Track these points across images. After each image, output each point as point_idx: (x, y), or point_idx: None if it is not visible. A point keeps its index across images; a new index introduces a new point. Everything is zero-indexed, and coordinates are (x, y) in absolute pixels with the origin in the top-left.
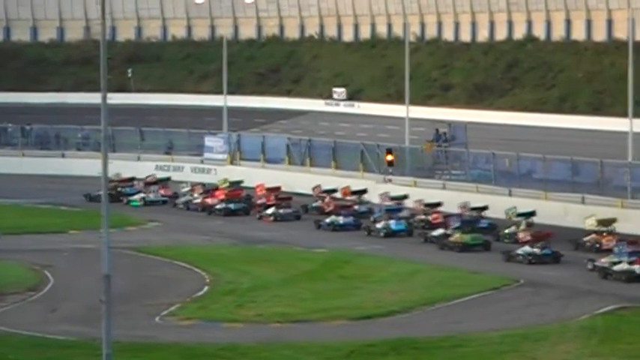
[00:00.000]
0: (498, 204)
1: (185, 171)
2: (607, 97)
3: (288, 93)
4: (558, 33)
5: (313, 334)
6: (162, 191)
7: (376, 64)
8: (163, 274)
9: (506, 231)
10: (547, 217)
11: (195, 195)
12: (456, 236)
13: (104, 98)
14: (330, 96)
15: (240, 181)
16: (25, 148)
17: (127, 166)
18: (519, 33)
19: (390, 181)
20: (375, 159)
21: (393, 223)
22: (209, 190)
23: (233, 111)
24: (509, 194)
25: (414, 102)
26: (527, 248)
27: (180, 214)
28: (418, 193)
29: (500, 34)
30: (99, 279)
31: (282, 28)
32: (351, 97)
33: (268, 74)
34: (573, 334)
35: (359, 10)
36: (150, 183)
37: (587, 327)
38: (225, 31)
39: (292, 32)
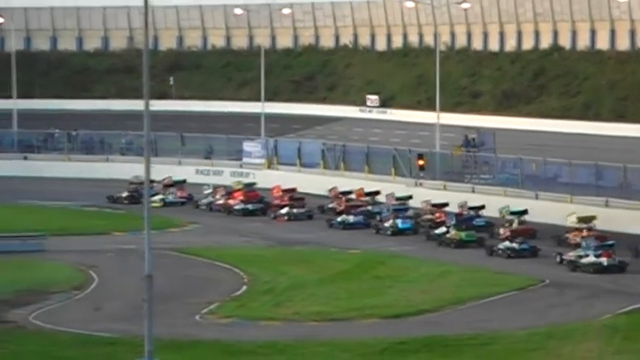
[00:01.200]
0: (525, 207)
1: (224, 175)
2: (630, 104)
3: (323, 100)
4: (583, 42)
5: (348, 331)
6: (178, 193)
7: (408, 73)
8: (203, 274)
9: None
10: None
11: (218, 196)
12: (452, 233)
13: (147, 105)
14: (363, 103)
15: (254, 183)
16: (71, 153)
17: (168, 170)
18: (545, 42)
19: (421, 184)
20: (406, 164)
21: (399, 222)
22: (230, 191)
23: (270, 117)
24: (536, 198)
25: (445, 109)
26: (507, 243)
27: (218, 217)
28: (448, 196)
29: (527, 44)
30: (141, 279)
31: (317, 37)
32: (384, 104)
33: (304, 82)
34: (596, 332)
35: (391, 20)
36: (168, 185)
37: (610, 326)
38: (262, 40)
39: (327, 42)
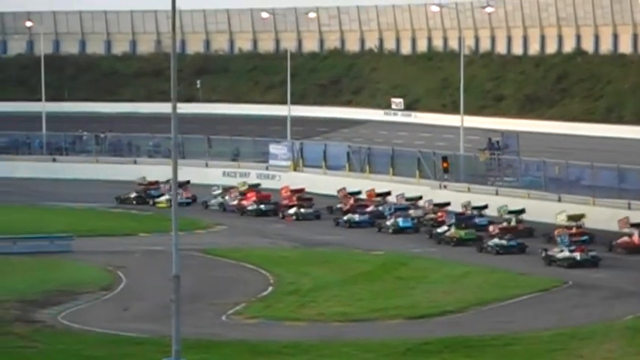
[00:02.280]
0: (548, 209)
1: (251, 177)
2: None
3: (348, 103)
4: (606, 46)
5: (371, 332)
6: (184, 193)
7: (432, 76)
8: (230, 275)
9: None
10: (595, 222)
11: (232, 197)
12: (452, 232)
13: (174, 108)
14: (388, 106)
15: (258, 184)
16: (99, 155)
17: (195, 173)
18: (569, 46)
19: (445, 187)
20: (431, 166)
21: (400, 221)
22: (244, 192)
23: (296, 120)
24: (559, 200)
25: (469, 112)
26: (496, 240)
27: (241, 218)
28: (472, 198)
29: (551, 48)
30: (169, 279)
31: (343, 41)
32: (409, 107)
33: (330, 85)
34: (618, 333)
35: (416, 24)
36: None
37: (631, 327)
38: (289, 44)
39: (353, 45)
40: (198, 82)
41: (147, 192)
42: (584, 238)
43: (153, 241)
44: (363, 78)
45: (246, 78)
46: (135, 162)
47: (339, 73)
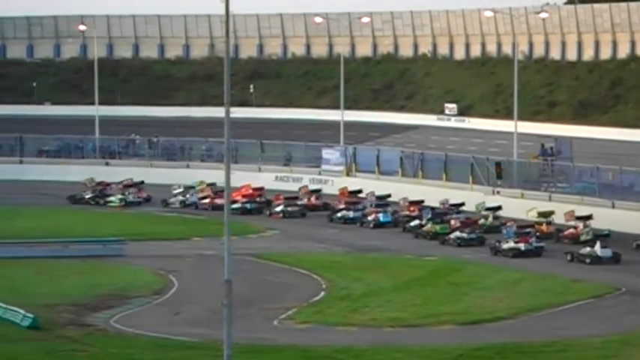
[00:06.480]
0: (601, 215)
1: (304, 182)
2: None
3: (401, 108)
4: None
5: (423, 338)
6: (138, 193)
7: (486, 82)
8: (282, 279)
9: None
10: None
11: (203, 195)
12: (428, 226)
13: (227, 112)
14: (441, 111)
15: (214, 184)
16: (153, 159)
17: (248, 177)
18: (623, 52)
19: (498, 192)
20: (484, 172)
21: (381, 216)
22: (217, 191)
23: (349, 125)
24: (612, 206)
25: (522, 118)
26: (457, 233)
27: (294, 223)
28: (525, 204)
29: (605, 54)
30: (220, 284)
31: (396, 46)
32: (462, 112)
33: (383, 90)
34: None
35: (470, 29)
36: (128, 186)
37: None
38: (342, 49)
39: (406, 50)
40: (251, 86)
41: (102, 192)
42: (528, 230)
43: (204, 246)
44: (416, 83)
45: (299, 82)
46: (187, 166)
47: (392, 78)
